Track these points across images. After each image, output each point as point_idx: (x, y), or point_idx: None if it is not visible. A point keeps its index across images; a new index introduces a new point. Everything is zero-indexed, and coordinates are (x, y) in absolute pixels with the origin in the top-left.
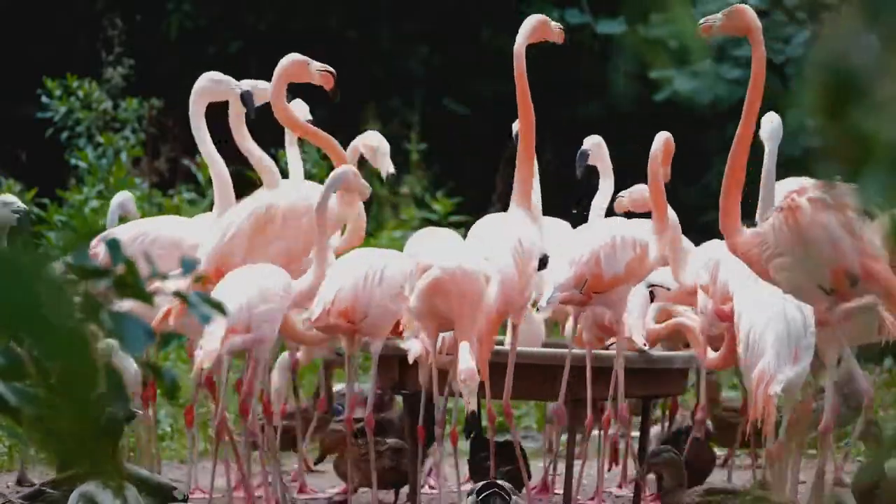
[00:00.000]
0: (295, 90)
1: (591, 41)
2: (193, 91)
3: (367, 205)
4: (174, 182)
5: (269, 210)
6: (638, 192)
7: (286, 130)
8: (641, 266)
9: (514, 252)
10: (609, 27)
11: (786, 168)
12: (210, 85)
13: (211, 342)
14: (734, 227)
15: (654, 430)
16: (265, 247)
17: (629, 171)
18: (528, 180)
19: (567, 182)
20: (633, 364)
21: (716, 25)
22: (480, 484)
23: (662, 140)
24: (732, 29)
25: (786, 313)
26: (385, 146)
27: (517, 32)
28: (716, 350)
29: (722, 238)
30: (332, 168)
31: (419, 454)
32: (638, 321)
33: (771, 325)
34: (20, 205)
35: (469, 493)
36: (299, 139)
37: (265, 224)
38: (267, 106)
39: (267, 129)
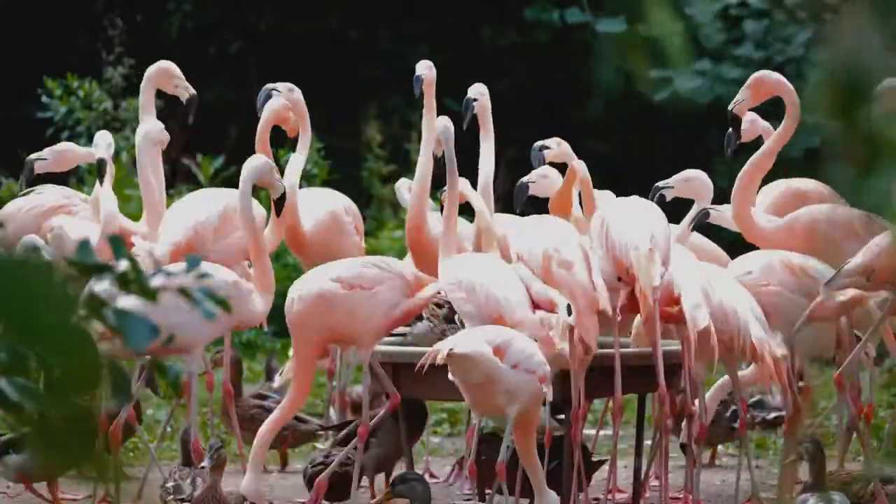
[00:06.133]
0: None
1: (591, 41)
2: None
3: (367, 205)
4: (174, 182)
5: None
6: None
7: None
8: None
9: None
10: (609, 26)
11: (786, 168)
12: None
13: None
14: None
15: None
16: (226, 236)
17: (630, 170)
18: None
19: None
20: (629, 361)
21: (745, 102)
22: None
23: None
24: (762, 96)
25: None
26: None
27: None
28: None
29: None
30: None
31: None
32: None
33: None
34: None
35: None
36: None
37: (231, 215)
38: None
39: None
